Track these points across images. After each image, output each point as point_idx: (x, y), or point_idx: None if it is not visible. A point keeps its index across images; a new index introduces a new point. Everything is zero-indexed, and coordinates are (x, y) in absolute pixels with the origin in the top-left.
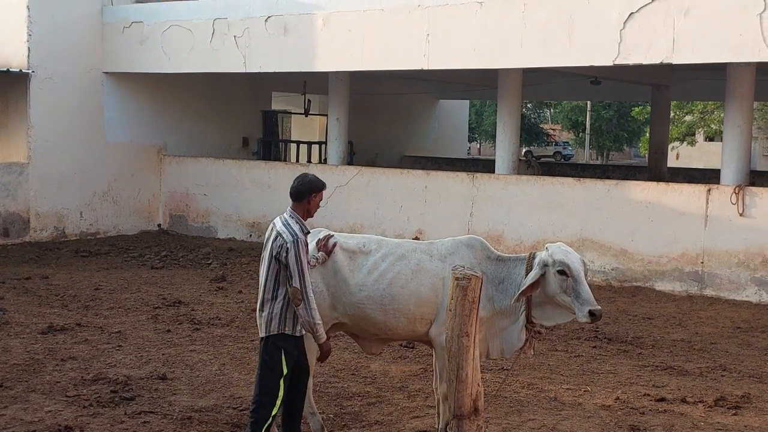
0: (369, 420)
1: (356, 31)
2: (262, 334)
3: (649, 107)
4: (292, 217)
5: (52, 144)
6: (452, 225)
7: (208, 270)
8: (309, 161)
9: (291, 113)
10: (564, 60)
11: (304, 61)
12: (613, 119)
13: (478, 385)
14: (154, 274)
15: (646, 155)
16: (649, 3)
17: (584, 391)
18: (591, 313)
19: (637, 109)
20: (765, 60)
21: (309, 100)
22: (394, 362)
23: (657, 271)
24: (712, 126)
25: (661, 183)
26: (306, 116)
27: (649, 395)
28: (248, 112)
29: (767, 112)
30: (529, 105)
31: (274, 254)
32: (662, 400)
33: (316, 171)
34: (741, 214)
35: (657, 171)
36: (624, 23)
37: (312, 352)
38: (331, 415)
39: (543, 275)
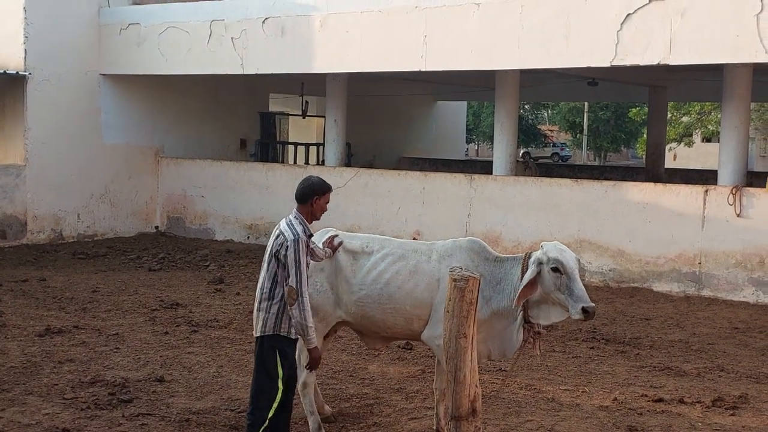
0: (367, 422)
1: (354, 33)
2: (256, 334)
3: (647, 108)
4: (297, 218)
5: (49, 146)
6: (450, 226)
7: (205, 272)
8: (307, 163)
9: (289, 115)
10: (561, 61)
11: (301, 63)
12: (611, 120)
13: (476, 387)
14: (151, 276)
15: (644, 156)
16: (646, 4)
17: (582, 391)
18: (584, 310)
19: (634, 110)
20: (762, 61)
21: (306, 102)
22: (392, 364)
23: (654, 271)
24: (710, 127)
25: (658, 184)
26: (304, 118)
27: (646, 396)
28: (246, 114)
29: (764, 112)
30: (526, 106)
31: (274, 252)
32: (660, 400)
33: (314, 173)
34: (738, 215)
35: (654, 172)
36: (621, 24)
37: (304, 354)
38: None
39: (539, 273)
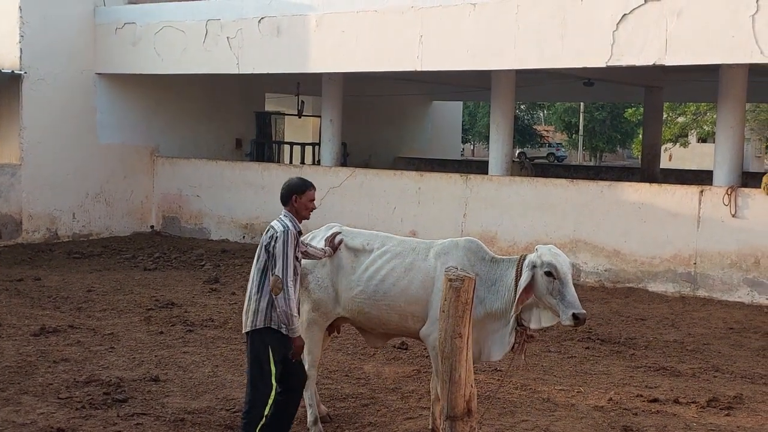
0: (362, 421)
1: (349, 32)
2: (246, 329)
3: (642, 109)
4: (286, 216)
5: (44, 145)
6: (445, 226)
7: (201, 271)
8: (302, 162)
9: (284, 114)
10: (557, 61)
11: (297, 62)
12: (606, 121)
13: (472, 387)
14: (146, 276)
15: (639, 156)
16: (641, 4)
17: (577, 392)
18: (575, 317)
19: (630, 110)
20: (757, 61)
21: (302, 102)
22: (388, 364)
23: (650, 272)
24: (705, 127)
25: (653, 184)
26: (299, 117)
27: (641, 396)
28: (241, 114)
29: (759, 113)
30: (522, 106)
31: (264, 244)
32: (655, 400)
33: (310, 172)
34: (733, 216)
35: (650, 172)
36: (617, 25)
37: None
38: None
39: (532, 277)
